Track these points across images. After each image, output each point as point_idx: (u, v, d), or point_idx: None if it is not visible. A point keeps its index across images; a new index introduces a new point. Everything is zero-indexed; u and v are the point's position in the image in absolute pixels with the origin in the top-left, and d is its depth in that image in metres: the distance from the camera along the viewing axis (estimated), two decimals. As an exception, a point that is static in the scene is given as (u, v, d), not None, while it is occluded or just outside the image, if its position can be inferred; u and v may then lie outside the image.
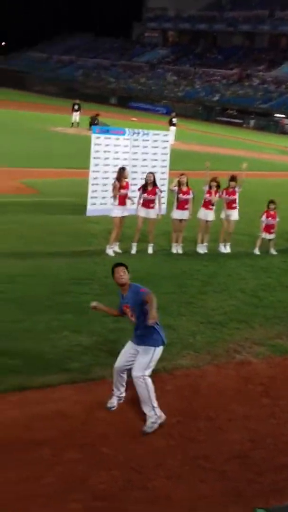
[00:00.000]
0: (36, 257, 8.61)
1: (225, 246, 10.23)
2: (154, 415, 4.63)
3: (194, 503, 3.92)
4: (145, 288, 4.76)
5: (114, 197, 9.25)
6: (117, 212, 9.25)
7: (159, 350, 4.73)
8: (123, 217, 9.33)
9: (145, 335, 4.71)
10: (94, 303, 5.06)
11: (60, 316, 6.56)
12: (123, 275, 4.79)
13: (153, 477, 4.13)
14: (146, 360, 4.66)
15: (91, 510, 3.75)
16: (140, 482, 4.07)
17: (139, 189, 9.55)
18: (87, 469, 4.14)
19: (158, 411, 4.66)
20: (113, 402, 4.91)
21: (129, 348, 4.85)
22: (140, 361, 4.68)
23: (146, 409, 4.65)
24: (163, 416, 4.70)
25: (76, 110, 28.80)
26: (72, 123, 28.77)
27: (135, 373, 4.66)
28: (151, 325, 4.55)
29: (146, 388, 4.62)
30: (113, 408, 4.88)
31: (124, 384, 4.93)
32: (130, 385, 4.98)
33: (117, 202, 9.23)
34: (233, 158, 23.26)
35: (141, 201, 9.40)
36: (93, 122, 27.04)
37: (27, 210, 11.50)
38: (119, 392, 4.94)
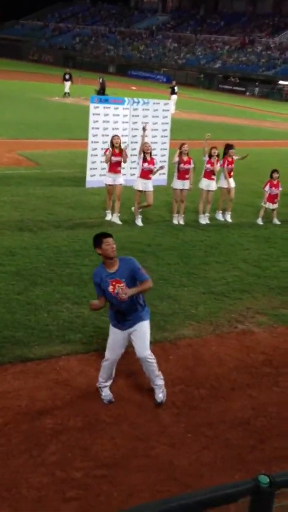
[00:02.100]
0: (36, 229, 8.52)
1: (224, 214, 10.13)
2: (163, 383, 4.59)
3: (197, 470, 3.95)
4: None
5: (106, 162, 9.29)
6: (108, 179, 9.25)
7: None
8: (115, 185, 9.22)
9: (137, 311, 4.39)
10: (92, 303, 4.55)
11: (60, 288, 6.51)
12: (114, 246, 4.20)
13: (156, 445, 4.15)
14: (148, 335, 4.47)
15: (94, 478, 3.78)
16: (143, 450, 4.09)
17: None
18: (90, 438, 4.16)
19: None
20: (108, 392, 4.62)
21: (119, 337, 4.45)
22: (143, 339, 4.41)
23: (158, 381, 4.56)
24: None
25: (67, 80, 28.04)
26: (65, 93, 28.12)
27: (144, 353, 4.41)
28: (130, 299, 4.22)
29: (155, 362, 4.51)
30: (112, 399, 4.59)
31: (114, 373, 4.65)
32: (126, 359, 4.97)
33: (107, 169, 9.26)
34: (236, 126, 22.82)
35: (140, 172, 9.20)
36: (103, 85, 26.39)
37: (27, 183, 11.33)
38: (110, 382, 4.65)
